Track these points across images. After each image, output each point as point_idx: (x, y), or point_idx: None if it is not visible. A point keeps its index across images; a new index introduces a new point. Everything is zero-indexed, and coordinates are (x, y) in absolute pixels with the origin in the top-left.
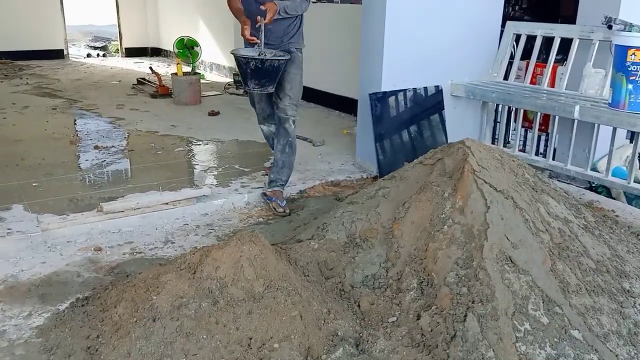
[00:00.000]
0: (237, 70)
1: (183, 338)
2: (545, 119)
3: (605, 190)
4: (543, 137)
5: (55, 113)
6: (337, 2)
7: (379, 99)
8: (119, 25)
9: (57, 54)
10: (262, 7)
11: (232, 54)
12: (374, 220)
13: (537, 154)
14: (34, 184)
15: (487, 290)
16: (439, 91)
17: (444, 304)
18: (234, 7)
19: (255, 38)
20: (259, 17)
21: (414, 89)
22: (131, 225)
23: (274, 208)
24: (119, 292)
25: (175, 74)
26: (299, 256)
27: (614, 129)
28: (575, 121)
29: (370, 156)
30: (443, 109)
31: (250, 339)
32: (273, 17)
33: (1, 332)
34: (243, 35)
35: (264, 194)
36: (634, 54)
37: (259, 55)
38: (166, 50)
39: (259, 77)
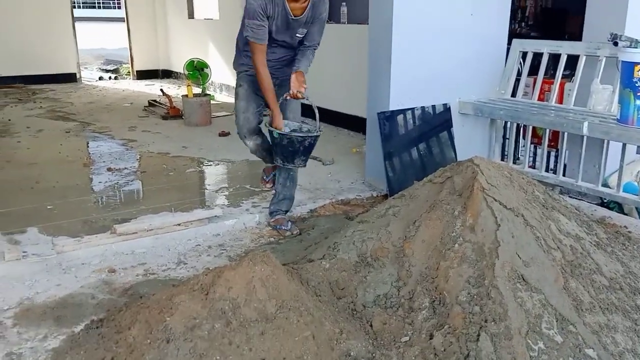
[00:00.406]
0: (276, 149)
1: (197, 359)
2: (555, 135)
3: (617, 206)
4: (553, 153)
5: (69, 136)
6: (344, 23)
7: (387, 118)
8: (130, 49)
9: (70, 78)
10: (295, 77)
11: (282, 135)
12: (384, 239)
13: (547, 170)
14: (48, 207)
15: (499, 309)
16: (447, 109)
17: (456, 323)
18: (265, 83)
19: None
20: (290, 94)
21: (422, 107)
22: (144, 246)
23: (283, 234)
24: (132, 313)
25: (186, 95)
26: (311, 276)
27: (624, 145)
28: (585, 137)
29: (379, 174)
30: (452, 126)
31: (263, 359)
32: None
33: (18, 355)
34: (276, 126)
35: (268, 224)
36: None
37: (300, 130)
38: (176, 72)
39: (307, 152)
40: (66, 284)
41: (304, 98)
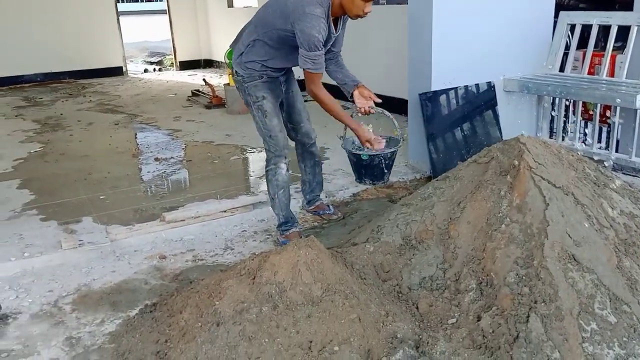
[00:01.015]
0: (365, 170)
1: (246, 342)
2: (606, 110)
3: None
4: (605, 129)
5: (118, 128)
6: (383, 4)
7: (429, 99)
8: (173, 40)
9: (117, 71)
10: (360, 92)
11: (373, 156)
12: (429, 221)
13: (599, 146)
14: (101, 197)
15: (549, 290)
16: (491, 87)
17: (504, 305)
18: (337, 109)
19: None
20: (361, 110)
21: (465, 87)
22: (192, 233)
23: (328, 218)
24: (183, 298)
25: (228, 84)
26: (355, 259)
27: None
28: (639, 111)
29: (423, 157)
30: (496, 105)
31: (311, 342)
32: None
33: (77, 339)
34: (367, 144)
35: (311, 211)
36: None
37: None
38: (218, 62)
39: (392, 164)
40: (120, 270)
41: (373, 113)
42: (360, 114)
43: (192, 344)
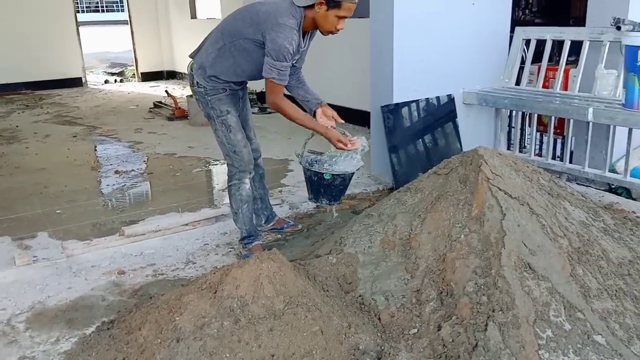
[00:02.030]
0: (325, 189)
1: (206, 357)
2: (560, 122)
3: (625, 191)
4: (559, 141)
5: (76, 140)
6: None
7: (391, 111)
8: (134, 51)
9: (76, 82)
10: (323, 111)
11: (336, 175)
12: (391, 232)
13: (553, 157)
14: (57, 211)
15: (507, 298)
16: (451, 100)
17: (464, 314)
18: (302, 116)
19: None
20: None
21: (426, 99)
22: (153, 247)
23: (291, 232)
24: (142, 314)
25: (191, 96)
26: (318, 271)
27: (630, 130)
28: (590, 123)
29: (385, 168)
30: (456, 117)
31: (273, 356)
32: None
33: (31, 359)
34: (340, 144)
35: (271, 229)
36: None
37: (318, 160)
38: (181, 73)
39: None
40: (77, 286)
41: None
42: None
43: None
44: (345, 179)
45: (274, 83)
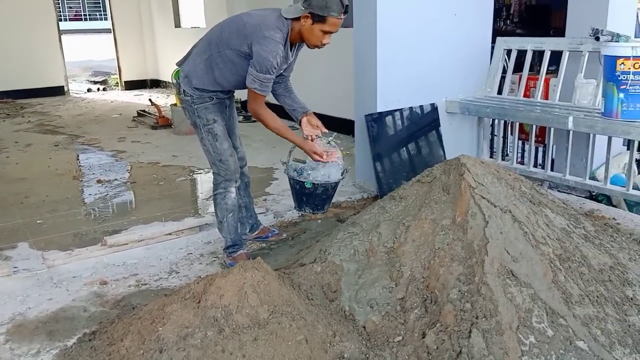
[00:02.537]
0: (307, 198)
1: None
2: (542, 130)
3: (605, 198)
4: (540, 149)
5: (58, 149)
6: None
7: (375, 120)
8: (118, 59)
9: (58, 91)
10: (308, 120)
11: (317, 184)
12: (375, 240)
13: (535, 165)
14: (38, 221)
15: (490, 305)
16: (434, 109)
17: (448, 321)
18: (281, 127)
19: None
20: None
21: (410, 108)
22: (136, 257)
23: (275, 240)
24: (125, 325)
25: (175, 104)
26: (303, 280)
27: (609, 138)
28: (571, 131)
29: (369, 176)
30: (439, 126)
31: None
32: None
33: None
34: (316, 156)
35: (258, 238)
36: (622, 63)
37: (302, 170)
38: (165, 82)
39: (334, 193)
40: (58, 298)
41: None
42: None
43: None
44: (327, 189)
45: (255, 93)
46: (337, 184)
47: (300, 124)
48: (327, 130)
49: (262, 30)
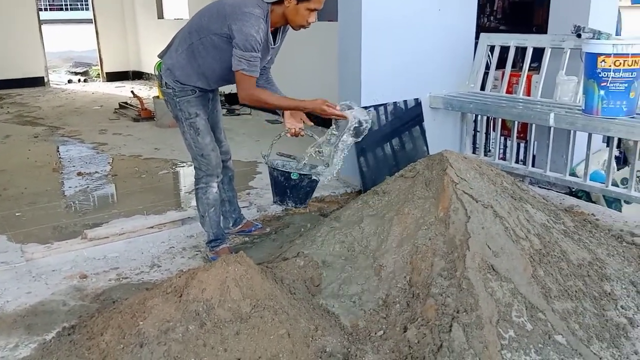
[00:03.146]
0: (291, 191)
1: None
2: (524, 127)
3: (585, 194)
4: (522, 145)
5: (37, 141)
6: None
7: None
8: (99, 50)
9: (38, 82)
10: (292, 113)
11: (304, 175)
12: (358, 235)
13: (517, 161)
14: (17, 214)
15: (470, 300)
16: (418, 104)
17: (429, 315)
18: (280, 100)
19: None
20: (291, 132)
21: (394, 103)
22: (117, 250)
23: (259, 234)
24: (105, 319)
25: (157, 96)
26: (285, 274)
27: (590, 134)
28: (552, 128)
29: (353, 171)
30: (423, 121)
31: (239, 359)
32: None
33: None
34: (332, 113)
35: (241, 232)
36: (603, 60)
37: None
38: (147, 74)
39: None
40: (36, 291)
41: (303, 135)
42: (289, 135)
43: None
44: (313, 181)
45: (244, 75)
46: (320, 176)
47: (283, 116)
48: (311, 123)
49: (240, 7)
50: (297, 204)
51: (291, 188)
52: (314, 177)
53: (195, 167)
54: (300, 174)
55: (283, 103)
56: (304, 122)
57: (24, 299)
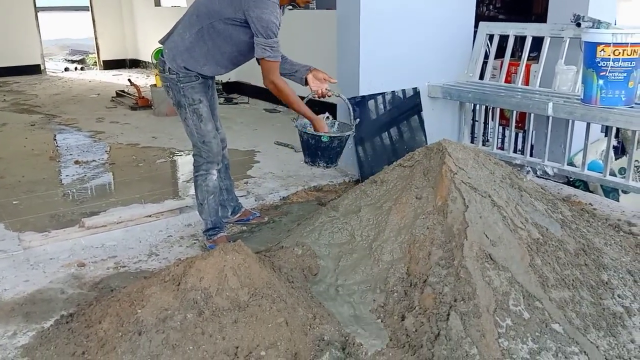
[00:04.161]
0: (323, 152)
1: (169, 350)
2: (522, 116)
3: (582, 184)
4: (520, 134)
5: (34, 129)
6: (313, 9)
7: (358, 104)
8: (96, 38)
9: (34, 69)
10: (314, 75)
11: (334, 137)
12: (356, 224)
13: (515, 151)
14: (14, 202)
15: (468, 288)
16: (416, 93)
17: (427, 304)
18: (295, 97)
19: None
20: (318, 93)
21: (392, 92)
22: (114, 239)
23: (257, 223)
24: (103, 307)
25: (155, 85)
26: (283, 263)
27: (588, 124)
28: (550, 117)
29: (351, 160)
30: (421, 110)
31: (237, 347)
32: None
33: None
34: (321, 130)
35: (237, 220)
36: (603, 50)
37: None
38: (145, 62)
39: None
40: (34, 279)
41: (330, 96)
42: (316, 97)
43: (111, 354)
44: (342, 141)
45: (269, 62)
46: (349, 136)
47: (306, 83)
48: (335, 80)
49: None
50: (328, 164)
51: (322, 150)
52: (344, 137)
53: (194, 155)
54: (330, 137)
55: (296, 101)
56: (327, 81)
57: (22, 287)
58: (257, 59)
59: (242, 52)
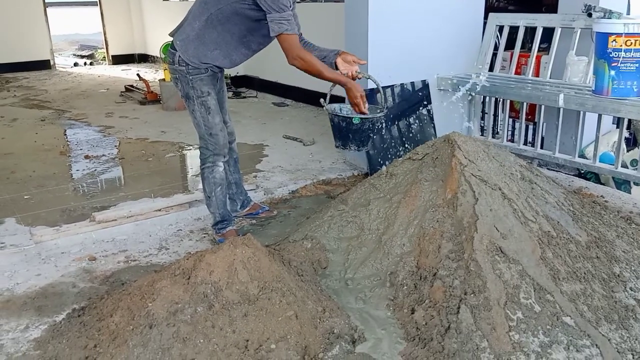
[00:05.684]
0: (354, 135)
1: (180, 343)
2: (532, 108)
3: (594, 176)
4: (531, 127)
5: (44, 124)
6: (321, 1)
7: (367, 96)
8: (105, 33)
9: (44, 65)
10: (343, 58)
11: (365, 119)
12: (365, 218)
13: (525, 143)
14: (25, 197)
15: (478, 282)
16: (425, 85)
17: (437, 297)
18: (323, 67)
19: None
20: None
21: (401, 85)
22: (125, 233)
23: (266, 217)
24: (114, 300)
25: (163, 79)
26: (293, 256)
27: (599, 116)
28: (561, 109)
29: (360, 153)
30: (430, 103)
31: (247, 341)
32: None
33: None
34: (362, 98)
35: (249, 215)
36: (614, 40)
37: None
38: (153, 56)
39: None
40: (46, 273)
41: (360, 77)
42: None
43: (122, 347)
44: (373, 123)
45: (289, 36)
46: (381, 117)
47: (336, 67)
48: (364, 62)
49: None
50: (360, 147)
51: (353, 132)
52: (375, 118)
53: (201, 147)
54: (361, 118)
55: (326, 71)
56: (357, 63)
57: (34, 281)
58: (276, 37)
59: (251, 30)
